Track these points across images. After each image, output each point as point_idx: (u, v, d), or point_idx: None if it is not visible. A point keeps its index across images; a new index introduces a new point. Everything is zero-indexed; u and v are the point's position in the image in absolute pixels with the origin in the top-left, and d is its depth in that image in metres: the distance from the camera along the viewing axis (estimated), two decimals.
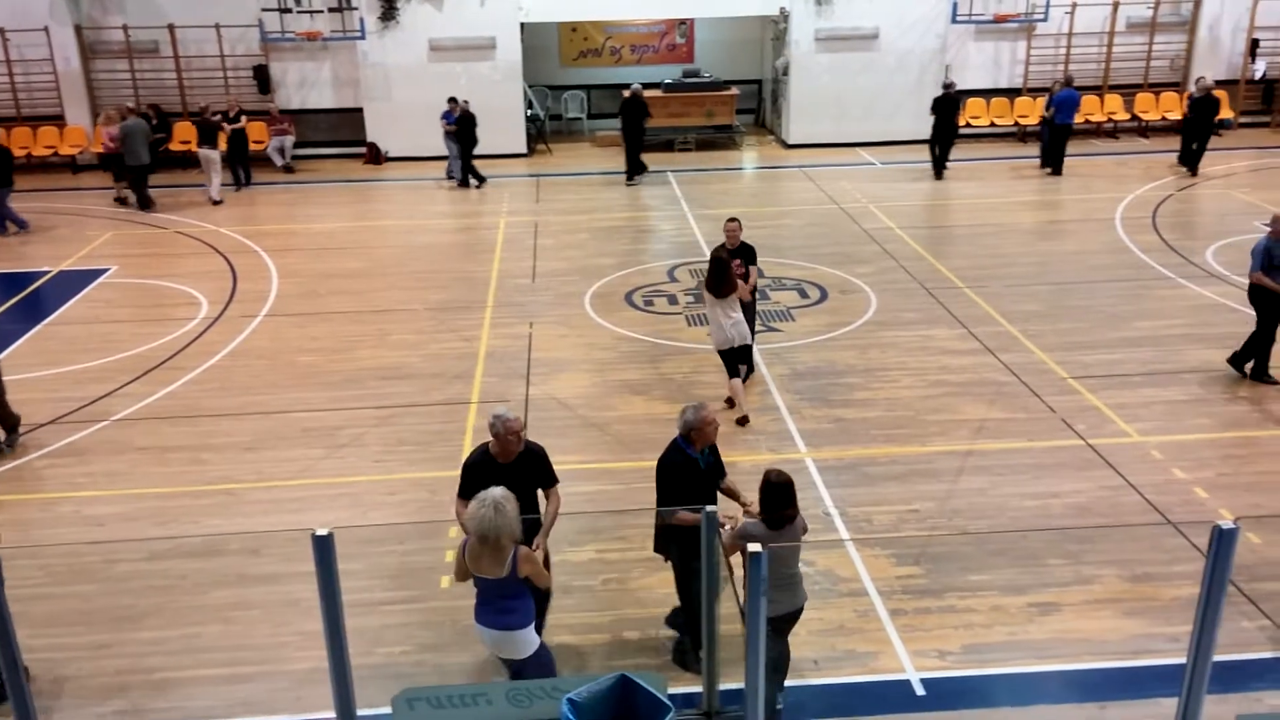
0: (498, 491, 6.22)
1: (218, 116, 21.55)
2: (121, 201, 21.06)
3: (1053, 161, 22.09)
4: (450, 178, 22.59)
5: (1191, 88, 23.13)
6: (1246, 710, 6.72)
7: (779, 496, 6.55)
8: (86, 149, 23.68)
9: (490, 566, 6.26)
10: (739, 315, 11.05)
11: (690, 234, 18.34)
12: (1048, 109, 22.22)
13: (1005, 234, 18.08)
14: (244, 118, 22.35)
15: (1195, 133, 21.60)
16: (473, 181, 22.18)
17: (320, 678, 6.06)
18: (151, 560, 8.88)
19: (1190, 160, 21.76)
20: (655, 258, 17.10)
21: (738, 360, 11.29)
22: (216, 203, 21.04)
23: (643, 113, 21.96)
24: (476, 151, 22.34)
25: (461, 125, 21.81)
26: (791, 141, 25.34)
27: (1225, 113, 25.68)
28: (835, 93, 24.78)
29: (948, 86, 21.98)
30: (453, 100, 22.02)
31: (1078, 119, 24.84)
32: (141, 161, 20.35)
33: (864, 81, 24.66)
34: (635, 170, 22.38)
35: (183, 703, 7.28)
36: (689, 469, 7.19)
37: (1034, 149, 23.43)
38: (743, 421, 11.15)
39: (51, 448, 10.96)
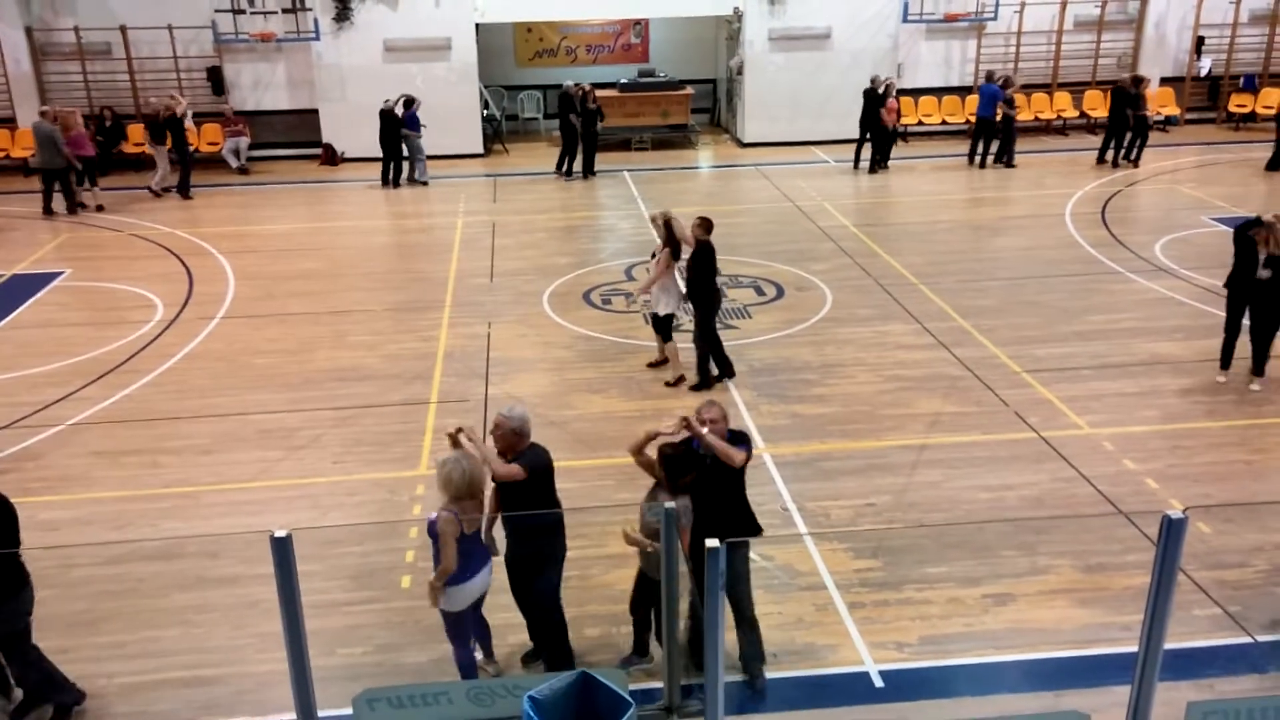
0: (449, 454, 6.79)
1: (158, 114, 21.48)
2: (82, 206, 20.60)
3: (973, 153, 22.68)
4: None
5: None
6: (1198, 697, 6.83)
7: (679, 466, 6.85)
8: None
9: (477, 511, 6.78)
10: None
11: (647, 233, 18.34)
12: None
13: (958, 230, 18.29)
14: (187, 125, 22.07)
15: (1111, 126, 22.28)
16: (391, 180, 22.24)
17: (280, 679, 6.04)
18: (108, 564, 8.83)
19: (1101, 152, 22.44)
20: (612, 256, 17.14)
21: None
22: (155, 194, 21.15)
23: (570, 109, 21.96)
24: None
25: (382, 124, 21.70)
26: (746, 140, 25.45)
27: (1171, 109, 26.10)
28: (789, 92, 24.93)
29: (873, 80, 22.23)
30: (408, 102, 22.01)
31: (1026, 116, 25.21)
32: (45, 165, 19.87)
33: (817, 80, 24.82)
34: (563, 167, 22.61)
35: (142, 707, 7.24)
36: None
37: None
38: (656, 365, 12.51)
39: (6, 453, 10.83)
